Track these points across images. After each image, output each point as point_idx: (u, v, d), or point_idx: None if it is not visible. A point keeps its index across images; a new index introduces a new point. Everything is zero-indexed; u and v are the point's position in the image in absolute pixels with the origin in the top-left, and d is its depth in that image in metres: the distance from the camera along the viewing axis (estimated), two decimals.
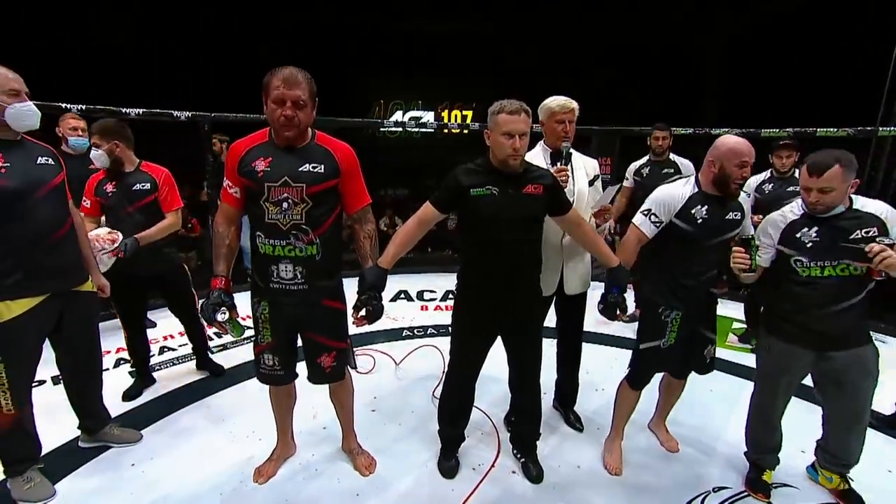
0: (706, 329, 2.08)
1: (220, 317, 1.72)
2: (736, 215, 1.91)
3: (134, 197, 2.54)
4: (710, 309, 2.10)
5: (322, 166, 1.70)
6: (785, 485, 2.10)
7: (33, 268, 1.79)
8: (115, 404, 2.56)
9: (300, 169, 1.68)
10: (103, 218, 2.61)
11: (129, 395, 2.69)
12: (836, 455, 2.01)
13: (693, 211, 1.88)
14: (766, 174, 3.48)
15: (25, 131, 1.78)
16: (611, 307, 1.92)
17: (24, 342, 1.83)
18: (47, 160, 1.86)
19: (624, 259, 1.95)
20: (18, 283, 1.76)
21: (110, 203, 2.53)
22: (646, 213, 1.95)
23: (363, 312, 1.74)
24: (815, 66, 6.89)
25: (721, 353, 3.37)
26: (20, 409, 1.86)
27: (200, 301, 1.83)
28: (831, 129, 4.20)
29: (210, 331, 3.41)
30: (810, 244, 1.80)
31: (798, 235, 1.82)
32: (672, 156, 3.66)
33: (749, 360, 3.31)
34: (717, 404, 2.73)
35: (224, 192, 1.77)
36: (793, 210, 1.88)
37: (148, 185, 2.57)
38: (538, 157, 2.19)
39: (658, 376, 2.25)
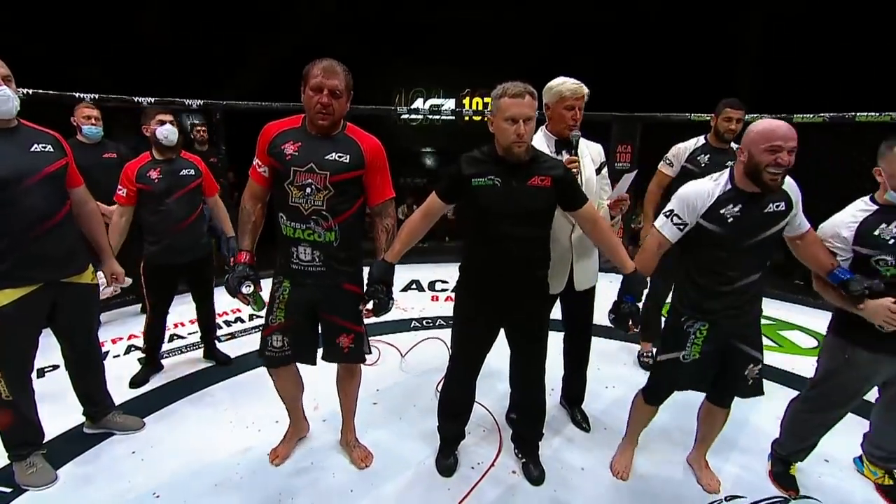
0: (746, 344, 1.78)
1: (245, 289, 1.80)
2: (779, 206, 1.64)
3: (182, 182, 2.59)
4: (753, 321, 1.80)
5: (348, 156, 1.73)
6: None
7: (21, 257, 1.77)
8: (122, 391, 2.60)
9: (326, 157, 1.71)
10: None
11: (136, 383, 2.71)
12: (886, 449, 2.00)
13: (723, 210, 1.63)
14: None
15: (6, 118, 1.73)
16: (623, 318, 1.74)
17: (14, 331, 1.82)
18: (45, 147, 1.82)
19: (642, 266, 1.75)
20: (5, 273, 1.75)
21: (157, 189, 2.51)
22: (668, 214, 1.72)
23: (370, 305, 1.79)
24: (854, 48, 6.46)
25: None
26: (17, 395, 1.88)
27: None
28: (873, 114, 3.91)
29: (221, 319, 3.44)
30: (893, 241, 1.65)
31: (877, 233, 1.68)
32: (735, 146, 3.00)
33: (768, 357, 3.14)
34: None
35: (253, 170, 1.82)
36: (860, 208, 1.73)
37: (192, 171, 2.64)
38: (541, 145, 2.04)
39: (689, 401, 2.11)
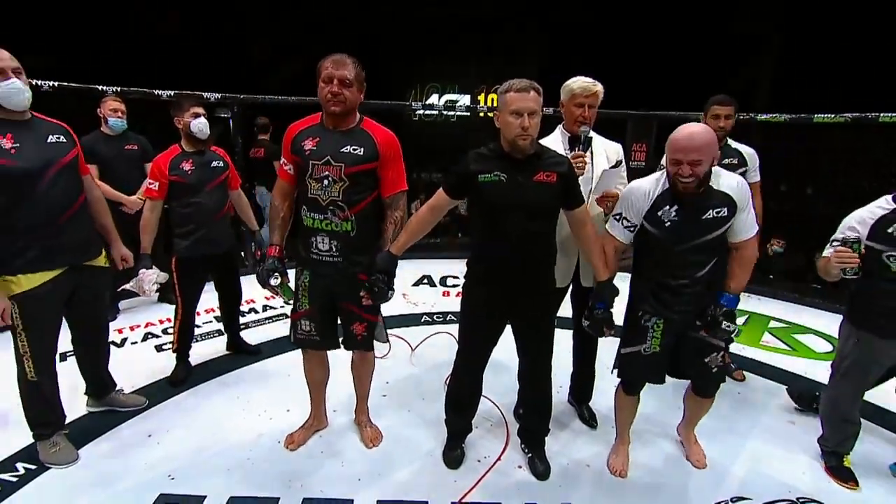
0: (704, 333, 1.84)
1: (273, 281, 1.93)
2: (720, 212, 1.66)
3: (213, 174, 2.60)
4: (711, 312, 1.80)
5: (362, 149, 1.80)
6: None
7: (48, 244, 1.85)
8: (139, 377, 2.68)
9: (342, 150, 1.79)
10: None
11: (176, 382, 2.64)
12: None
13: (660, 213, 1.69)
14: None
15: (20, 110, 1.77)
16: (597, 323, 1.85)
17: (44, 313, 1.91)
18: (59, 138, 1.89)
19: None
20: (35, 259, 1.83)
21: (191, 181, 2.51)
22: (617, 216, 1.81)
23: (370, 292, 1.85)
24: (877, 47, 6.30)
25: (753, 353, 3.22)
26: (41, 376, 1.95)
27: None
28: None
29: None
30: None
31: (890, 230, 1.78)
32: (732, 143, 2.69)
33: (776, 360, 3.12)
34: (745, 407, 2.57)
35: (280, 168, 1.95)
36: (880, 205, 1.81)
37: (221, 163, 2.65)
38: (556, 141, 2.07)
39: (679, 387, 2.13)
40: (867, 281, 1.85)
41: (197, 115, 2.51)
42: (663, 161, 2.53)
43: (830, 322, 3.77)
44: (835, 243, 1.86)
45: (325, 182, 1.78)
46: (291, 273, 1.99)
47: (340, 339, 2.06)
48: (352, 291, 1.92)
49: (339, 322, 2.04)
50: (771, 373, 2.96)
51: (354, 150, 1.78)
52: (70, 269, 1.94)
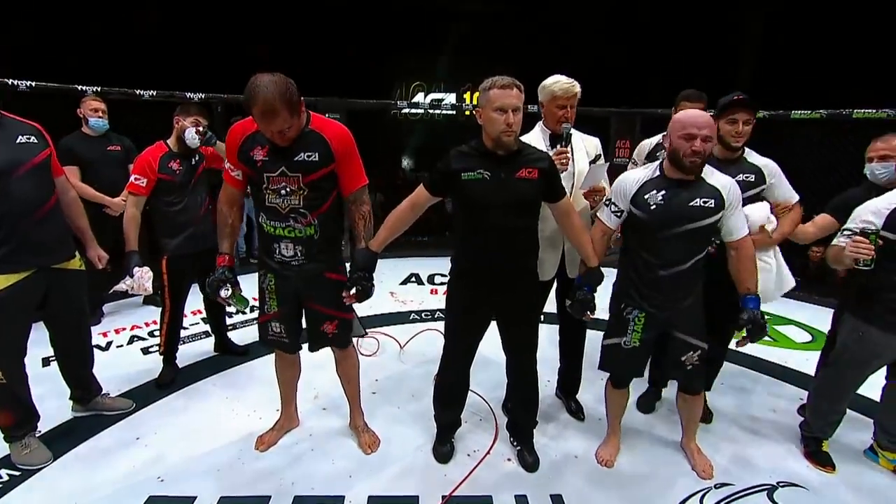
0: (682, 332, 1.86)
1: (223, 293, 1.85)
2: (707, 202, 1.70)
3: (195, 169, 2.60)
4: (690, 309, 1.85)
5: (316, 154, 1.73)
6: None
7: (15, 244, 1.81)
8: (125, 380, 2.65)
9: (295, 159, 1.71)
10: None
11: (164, 384, 2.63)
12: None
13: (647, 196, 1.74)
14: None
15: None
16: (578, 304, 1.88)
17: (9, 316, 1.86)
18: (29, 138, 1.86)
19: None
20: (2, 260, 1.79)
21: (178, 180, 2.52)
22: (607, 202, 1.87)
23: (353, 291, 1.82)
24: (852, 44, 6.46)
25: (735, 344, 3.28)
26: (10, 378, 1.93)
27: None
28: (870, 111, 3.94)
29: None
30: None
31: None
32: None
33: (757, 350, 3.18)
34: (724, 397, 2.64)
35: (226, 173, 1.84)
36: None
37: (198, 156, 2.64)
38: (537, 139, 2.11)
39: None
40: (878, 273, 1.80)
41: (198, 123, 2.53)
42: (634, 155, 2.62)
43: (810, 313, 3.88)
44: (846, 233, 1.85)
45: (284, 192, 1.72)
46: (242, 280, 1.95)
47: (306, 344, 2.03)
48: (319, 292, 1.90)
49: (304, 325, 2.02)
50: (752, 363, 3.03)
51: (309, 156, 1.70)
52: (39, 271, 1.90)
